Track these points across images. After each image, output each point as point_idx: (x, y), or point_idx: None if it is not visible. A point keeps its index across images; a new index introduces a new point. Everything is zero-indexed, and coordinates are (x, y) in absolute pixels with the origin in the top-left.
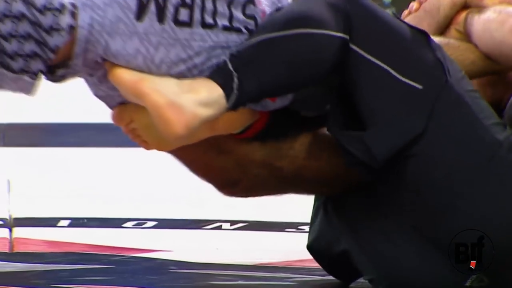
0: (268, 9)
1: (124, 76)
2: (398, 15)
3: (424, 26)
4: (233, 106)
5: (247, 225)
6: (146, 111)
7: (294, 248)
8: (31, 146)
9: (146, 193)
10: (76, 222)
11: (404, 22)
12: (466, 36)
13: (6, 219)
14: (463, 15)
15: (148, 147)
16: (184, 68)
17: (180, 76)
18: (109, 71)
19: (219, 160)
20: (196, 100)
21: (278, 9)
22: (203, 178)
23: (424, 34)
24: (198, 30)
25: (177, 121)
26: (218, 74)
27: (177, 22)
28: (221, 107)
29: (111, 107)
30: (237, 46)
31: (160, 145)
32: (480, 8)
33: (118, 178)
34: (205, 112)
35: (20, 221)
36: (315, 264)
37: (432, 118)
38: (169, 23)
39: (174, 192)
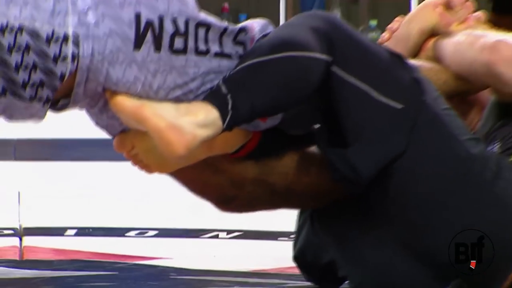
0: (257, 36)
1: (125, 103)
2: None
3: (398, 50)
4: (229, 126)
5: (242, 234)
6: (145, 137)
7: (286, 256)
8: (40, 160)
9: (147, 204)
10: (82, 232)
11: (382, 46)
12: (435, 61)
13: (17, 228)
14: (431, 42)
15: (149, 170)
16: (180, 93)
17: (177, 100)
18: (110, 100)
19: (215, 178)
20: (194, 122)
21: (264, 35)
22: (200, 196)
23: (400, 57)
24: (192, 57)
25: (178, 142)
26: (213, 97)
27: (173, 50)
28: (218, 127)
29: (112, 135)
30: (229, 71)
31: (160, 168)
32: (448, 35)
33: (121, 190)
34: (203, 133)
35: (30, 231)
36: None
37: (412, 136)
38: (165, 51)
39: (173, 203)
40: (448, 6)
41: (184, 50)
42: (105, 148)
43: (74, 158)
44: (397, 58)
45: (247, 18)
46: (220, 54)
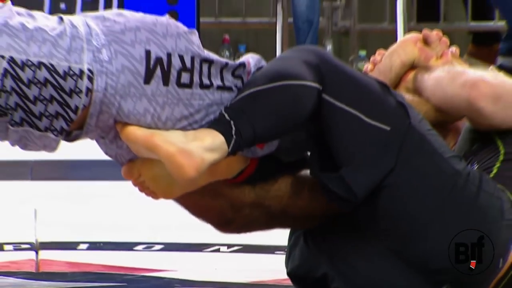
0: (252, 70)
1: (136, 132)
2: None
3: None
4: (233, 150)
5: (242, 248)
6: (151, 166)
7: (282, 268)
8: (54, 180)
9: (154, 221)
10: (94, 246)
11: (368, 76)
12: (414, 92)
13: (33, 243)
14: (411, 74)
15: (155, 196)
16: (186, 123)
17: (183, 130)
18: (121, 131)
19: (215, 203)
20: (202, 146)
21: (259, 69)
22: (201, 219)
23: (386, 85)
24: (197, 90)
25: (188, 166)
26: (218, 124)
27: (180, 84)
28: (223, 151)
29: (121, 164)
30: (230, 101)
31: (165, 194)
32: (427, 68)
33: (130, 208)
34: (211, 157)
35: (45, 245)
36: None
37: (400, 155)
38: (173, 86)
39: (178, 220)
40: (426, 42)
41: (190, 84)
42: (114, 168)
43: (86, 177)
44: (382, 85)
45: (246, 48)
46: (222, 88)
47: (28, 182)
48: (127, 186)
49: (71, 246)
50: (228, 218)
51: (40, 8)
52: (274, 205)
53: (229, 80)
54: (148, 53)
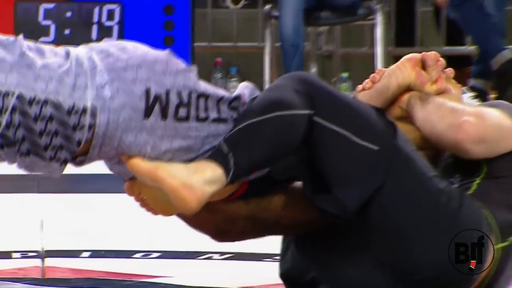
0: (247, 100)
1: (141, 165)
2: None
3: (374, 102)
4: (232, 181)
5: (233, 255)
6: (150, 187)
7: (271, 275)
8: (59, 192)
9: (151, 231)
10: (95, 254)
11: (356, 98)
12: (407, 113)
13: (39, 251)
14: (406, 96)
15: (154, 213)
16: (184, 153)
17: (181, 159)
18: (126, 162)
19: (211, 217)
20: (203, 179)
21: (253, 99)
22: (198, 230)
23: (374, 106)
24: (194, 123)
25: (191, 199)
26: (217, 156)
27: (177, 118)
28: (223, 183)
29: (123, 180)
30: (226, 132)
31: (164, 212)
32: (421, 95)
33: (129, 219)
34: (211, 189)
35: (50, 253)
36: None
37: (388, 173)
38: (171, 120)
39: (174, 230)
40: (424, 65)
41: (187, 118)
42: (116, 182)
43: (88, 190)
44: (371, 107)
45: (237, 70)
46: (218, 120)
47: (35, 194)
48: (127, 199)
49: (75, 254)
50: (224, 230)
51: (46, 34)
52: (267, 217)
53: (225, 112)
54: (147, 90)
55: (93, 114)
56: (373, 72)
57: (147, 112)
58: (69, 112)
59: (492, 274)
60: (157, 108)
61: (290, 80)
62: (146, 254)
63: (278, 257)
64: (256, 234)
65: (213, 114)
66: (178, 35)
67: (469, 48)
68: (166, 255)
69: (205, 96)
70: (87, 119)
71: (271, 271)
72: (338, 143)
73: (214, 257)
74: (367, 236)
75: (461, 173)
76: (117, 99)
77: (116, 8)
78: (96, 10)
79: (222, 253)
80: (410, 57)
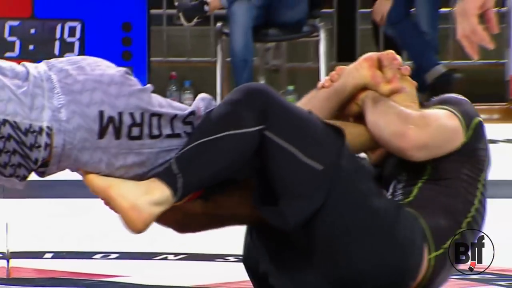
0: (203, 113)
1: (95, 181)
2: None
3: (332, 100)
4: (179, 200)
5: (187, 256)
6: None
7: (222, 273)
8: (24, 198)
9: (110, 233)
10: (58, 255)
11: (311, 114)
12: (362, 110)
13: (5, 252)
14: (363, 94)
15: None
16: (137, 168)
17: (135, 173)
18: (83, 176)
19: (172, 214)
20: (151, 201)
21: (209, 112)
22: (161, 225)
23: (325, 123)
24: (147, 141)
25: (138, 221)
26: (167, 176)
27: (130, 137)
28: (170, 202)
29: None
30: (179, 148)
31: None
32: (376, 93)
33: (89, 222)
34: (158, 210)
35: (15, 254)
36: (238, 286)
37: (331, 192)
38: (124, 139)
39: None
40: (380, 64)
41: (140, 136)
42: (76, 188)
43: (51, 196)
44: (323, 124)
45: (191, 83)
46: (171, 135)
47: (1, 200)
48: (87, 203)
49: (38, 255)
50: (184, 224)
51: (12, 50)
52: (222, 213)
53: (179, 128)
54: (101, 113)
55: (49, 135)
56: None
57: (101, 133)
58: (26, 132)
59: (425, 281)
60: (110, 129)
61: (245, 94)
62: (105, 255)
63: (227, 258)
64: (215, 227)
65: (166, 131)
66: (136, 51)
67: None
68: (124, 256)
69: (158, 115)
70: (43, 139)
71: (222, 271)
72: (285, 160)
73: (169, 258)
74: (311, 246)
75: (407, 172)
76: (72, 121)
77: (77, 25)
78: (59, 27)
79: (176, 254)
80: (367, 57)
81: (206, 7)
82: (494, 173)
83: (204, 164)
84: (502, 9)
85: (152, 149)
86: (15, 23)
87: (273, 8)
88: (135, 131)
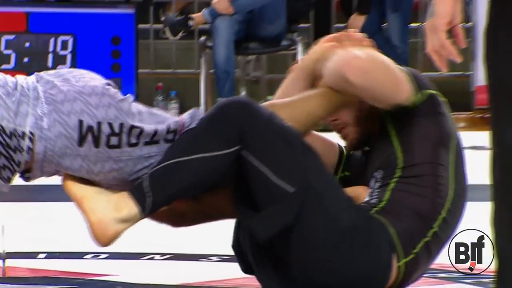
0: (187, 124)
1: (71, 190)
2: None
3: (301, 79)
4: (146, 216)
5: (172, 256)
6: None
7: (205, 272)
8: (18, 201)
9: None
10: (51, 255)
11: (291, 131)
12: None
13: (1, 253)
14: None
15: None
16: (116, 174)
17: (113, 177)
18: (63, 181)
19: (164, 212)
20: (118, 218)
21: (187, 130)
22: (155, 221)
23: (303, 143)
24: (126, 149)
25: (102, 236)
26: (137, 193)
27: (109, 146)
28: (138, 219)
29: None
30: (159, 154)
31: None
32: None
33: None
34: (124, 227)
35: (11, 255)
36: (221, 285)
37: (301, 212)
38: (103, 147)
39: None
40: (337, 40)
41: (118, 145)
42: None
43: (45, 199)
44: (298, 142)
45: (176, 93)
46: (150, 143)
47: None
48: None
49: (32, 255)
50: (177, 220)
51: (8, 62)
52: (212, 212)
53: (160, 135)
54: (81, 122)
55: (31, 140)
56: None
57: (81, 141)
58: (11, 135)
59: (396, 286)
60: (89, 137)
61: (223, 112)
62: (96, 255)
63: (211, 258)
64: (207, 221)
65: (145, 139)
66: (124, 63)
67: None
68: (113, 256)
69: (138, 129)
70: (25, 143)
71: (206, 270)
72: (258, 180)
73: (155, 258)
74: (286, 259)
75: (382, 169)
76: (53, 129)
77: (69, 39)
78: (52, 40)
79: (162, 254)
80: (327, 37)
81: (190, 22)
82: None
83: (174, 184)
84: (467, 24)
85: (131, 157)
86: (10, 37)
87: (253, 23)
88: (114, 140)
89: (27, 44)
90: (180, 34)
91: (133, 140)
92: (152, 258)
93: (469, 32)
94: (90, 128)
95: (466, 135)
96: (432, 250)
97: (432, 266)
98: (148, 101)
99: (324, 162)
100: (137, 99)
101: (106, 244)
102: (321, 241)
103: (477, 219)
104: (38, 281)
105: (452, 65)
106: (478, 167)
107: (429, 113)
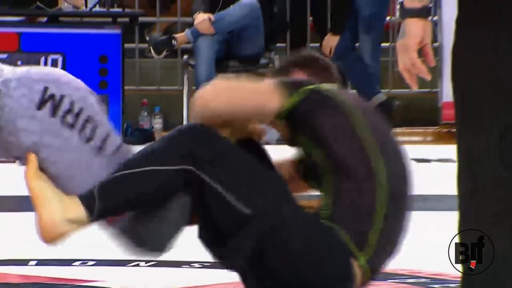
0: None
1: (31, 183)
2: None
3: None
4: (93, 222)
5: (157, 263)
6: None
7: (188, 278)
8: (9, 211)
9: (87, 242)
10: (41, 262)
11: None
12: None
13: None
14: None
15: None
16: (58, 165)
17: (60, 153)
18: (25, 171)
19: None
20: (66, 219)
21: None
22: None
23: (263, 167)
24: (75, 137)
25: (49, 234)
26: (87, 198)
27: (64, 122)
28: (85, 223)
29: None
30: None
31: None
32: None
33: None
34: (71, 228)
35: (2, 262)
36: None
37: (262, 235)
38: (58, 119)
39: (107, 242)
40: None
41: (72, 125)
42: None
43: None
44: (262, 169)
45: (160, 109)
46: (99, 148)
47: None
48: None
49: (23, 262)
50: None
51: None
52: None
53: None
54: (46, 88)
55: None
56: None
57: (40, 105)
58: None
59: (367, 280)
60: (49, 104)
61: (181, 131)
62: (83, 262)
63: (193, 264)
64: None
65: (96, 142)
66: (111, 80)
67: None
68: (100, 263)
69: (95, 122)
70: None
71: (188, 276)
72: (213, 201)
73: (140, 264)
74: (265, 265)
75: (316, 181)
76: (18, 90)
77: (59, 57)
78: (42, 59)
79: (147, 261)
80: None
81: (174, 42)
82: (426, 188)
83: (122, 194)
84: (435, 44)
85: (78, 151)
86: (3, 56)
87: (233, 42)
88: (70, 118)
89: (19, 63)
90: (164, 53)
91: (88, 133)
92: (137, 265)
93: (436, 51)
94: (52, 96)
95: (433, 148)
96: (388, 232)
97: (401, 272)
98: (134, 116)
99: (283, 178)
100: (123, 114)
101: (51, 241)
102: (286, 260)
103: (444, 227)
104: (29, 287)
105: (420, 82)
106: (445, 179)
107: (315, 107)
